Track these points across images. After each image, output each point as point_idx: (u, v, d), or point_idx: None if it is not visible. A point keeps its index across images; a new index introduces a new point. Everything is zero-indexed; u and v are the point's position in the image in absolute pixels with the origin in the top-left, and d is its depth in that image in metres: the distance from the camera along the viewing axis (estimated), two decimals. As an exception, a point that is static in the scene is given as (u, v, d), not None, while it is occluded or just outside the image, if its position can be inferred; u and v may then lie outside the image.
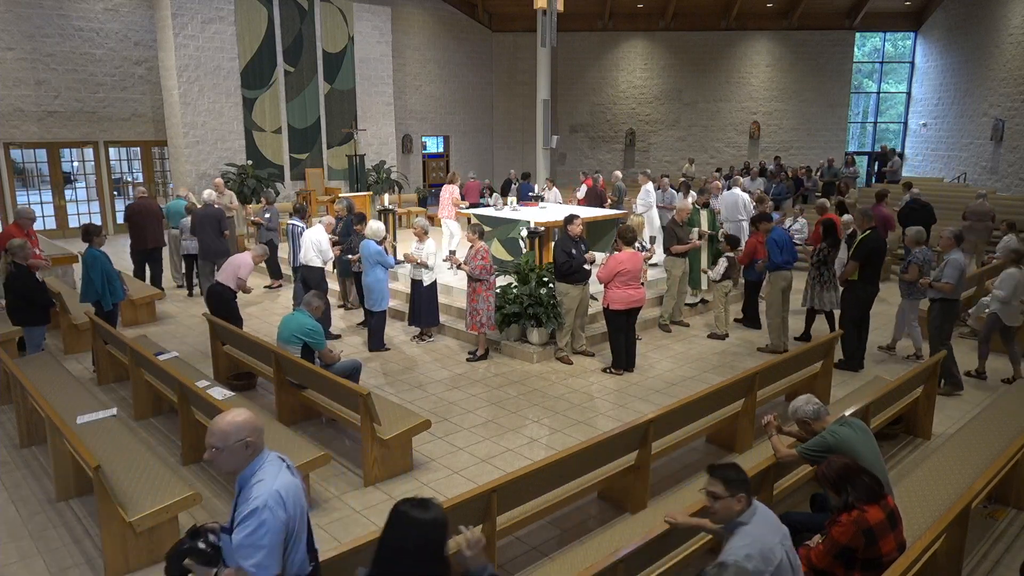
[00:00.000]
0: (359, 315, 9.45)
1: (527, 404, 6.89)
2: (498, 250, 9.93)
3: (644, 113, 23.90)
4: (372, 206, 13.28)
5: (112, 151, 16.70)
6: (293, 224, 9.83)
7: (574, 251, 7.69)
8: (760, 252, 8.74)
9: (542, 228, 9.53)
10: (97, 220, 16.25)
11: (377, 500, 5.17)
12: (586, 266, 7.77)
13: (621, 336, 7.60)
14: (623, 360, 7.66)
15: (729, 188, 12.48)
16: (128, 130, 16.65)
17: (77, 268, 9.86)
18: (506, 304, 8.14)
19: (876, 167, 22.23)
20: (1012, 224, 10.20)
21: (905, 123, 24.01)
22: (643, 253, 8.51)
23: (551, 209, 11.25)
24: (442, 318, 9.03)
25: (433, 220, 14.05)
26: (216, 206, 10.71)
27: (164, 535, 4.32)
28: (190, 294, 11.18)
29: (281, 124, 17.01)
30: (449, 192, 11.85)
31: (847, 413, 4.39)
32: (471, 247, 8.02)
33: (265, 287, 11.47)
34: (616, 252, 7.51)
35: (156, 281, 10.85)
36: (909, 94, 23.77)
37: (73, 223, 16.10)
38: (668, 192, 12.91)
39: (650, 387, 7.34)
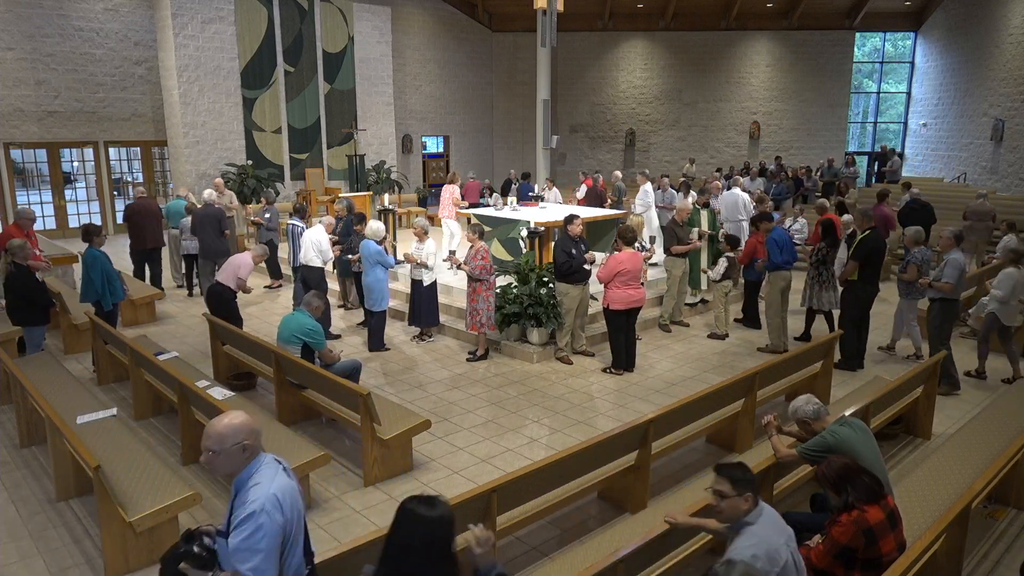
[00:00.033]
0: (359, 315, 9.45)
1: (527, 404, 6.89)
2: (498, 250, 9.93)
3: (644, 113, 23.90)
4: (372, 206, 13.28)
5: (112, 151, 16.70)
6: (293, 224, 9.83)
7: (574, 251, 7.69)
8: (760, 252, 8.74)
9: (542, 228, 9.53)
10: (97, 220, 16.26)
11: (377, 500, 5.18)
12: (586, 266, 7.77)
13: (621, 336, 7.60)
14: (623, 360, 7.66)
15: (729, 188, 12.48)
16: (128, 130, 16.65)
17: (77, 268, 9.86)
18: (506, 304, 8.14)
19: (876, 167, 22.23)
20: (1012, 224, 10.20)
21: (905, 123, 24.01)
22: (643, 253, 8.51)
23: (551, 209, 11.25)
24: (442, 318, 9.03)
25: (433, 220, 14.05)
26: (216, 206, 10.71)
27: (164, 535, 4.32)
28: (190, 294, 11.19)
29: (281, 124, 17.02)
30: (450, 192, 11.84)
31: (847, 413, 4.39)
32: (471, 247, 8.02)
33: (265, 287, 11.47)
34: (616, 252, 7.51)
35: (156, 281, 10.85)
36: (909, 94, 23.78)
37: (73, 223, 16.10)
38: (668, 192, 12.91)
39: (650, 387, 7.34)
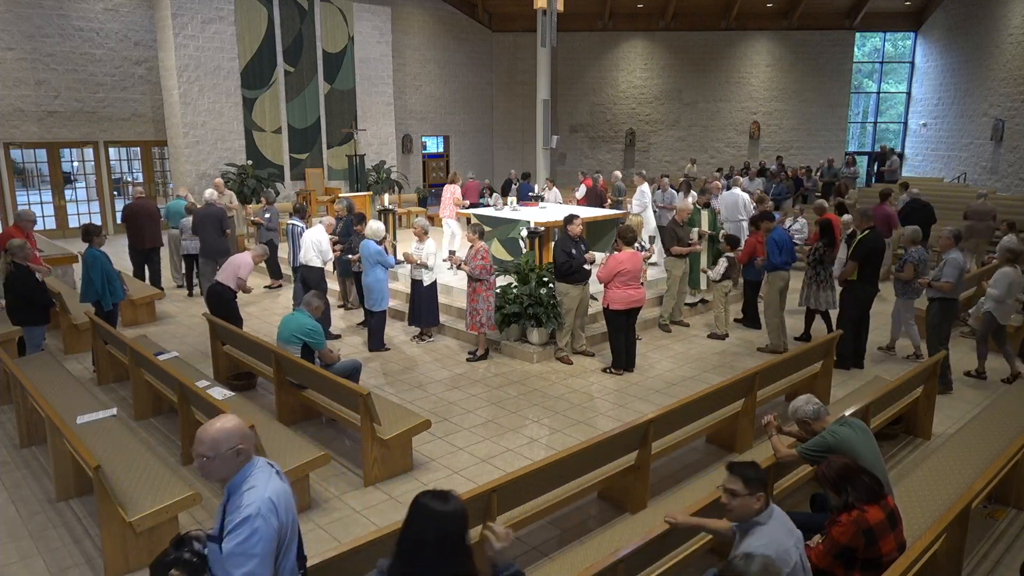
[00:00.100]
0: (359, 315, 9.45)
1: (527, 404, 6.89)
2: (498, 250, 9.93)
3: (644, 113, 23.90)
4: (372, 206, 13.28)
5: (112, 151, 16.70)
6: (293, 224, 9.84)
7: (574, 251, 7.69)
8: (759, 251, 8.75)
9: (542, 228, 9.53)
10: (97, 220, 16.25)
11: (377, 500, 5.18)
12: (586, 266, 7.77)
13: (621, 336, 7.60)
14: (623, 360, 7.66)
15: (729, 188, 12.48)
16: (128, 130, 16.65)
17: (77, 268, 9.86)
18: (506, 304, 8.14)
19: (876, 167, 22.22)
20: (1012, 224, 10.21)
21: (905, 123, 24.01)
22: (642, 253, 8.51)
23: (551, 209, 11.25)
24: (442, 318, 9.03)
25: (433, 220, 14.05)
26: (217, 205, 10.71)
27: (164, 535, 4.31)
28: (190, 294, 11.19)
29: (281, 124, 17.01)
30: (451, 192, 11.85)
31: (847, 413, 4.40)
32: (471, 247, 8.02)
33: (265, 287, 11.47)
34: (616, 252, 7.51)
35: (155, 281, 10.85)
36: (909, 94, 23.77)
37: (73, 223, 16.10)
38: (668, 192, 12.91)
39: (650, 387, 7.34)
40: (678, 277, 9.11)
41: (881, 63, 24.40)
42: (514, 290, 8.26)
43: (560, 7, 14.09)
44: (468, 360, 8.08)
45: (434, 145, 23.25)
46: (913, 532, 3.81)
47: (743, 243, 9.43)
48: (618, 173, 14.82)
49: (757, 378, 5.86)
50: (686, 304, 9.86)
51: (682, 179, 15.93)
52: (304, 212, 10.37)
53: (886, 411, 5.70)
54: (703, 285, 10.19)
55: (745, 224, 11.04)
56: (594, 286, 8.10)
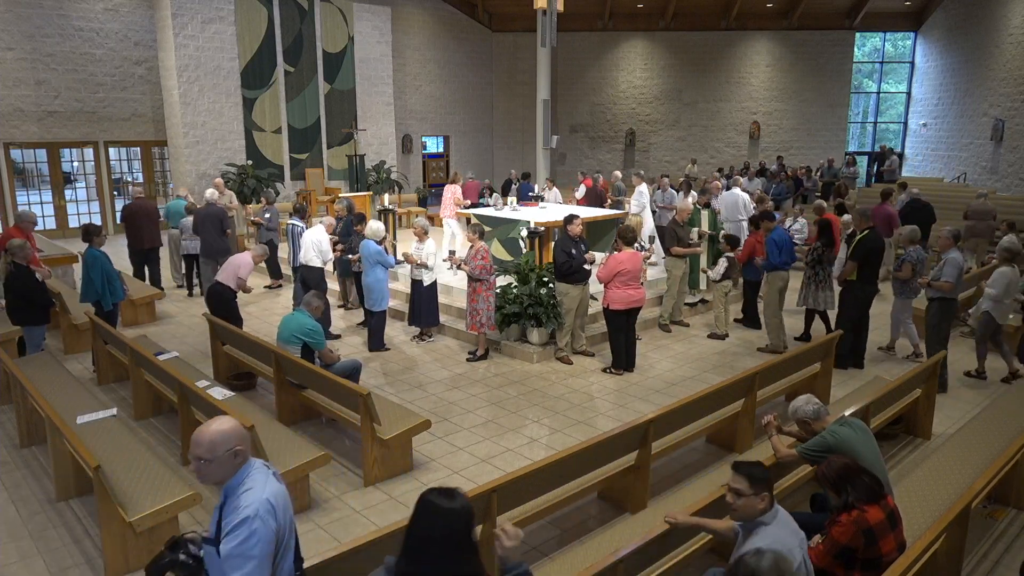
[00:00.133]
0: (359, 315, 9.45)
1: (527, 404, 6.89)
2: (498, 250, 9.93)
3: (644, 113, 23.90)
4: (372, 206, 13.29)
5: (112, 151, 16.70)
6: (293, 224, 9.84)
7: (574, 251, 7.69)
8: (759, 251, 8.76)
9: (542, 228, 9.53)
10: (97, 220, 16.26)
11: (377, 500, 5.18)
12: (586, 266, 7.77)
13: (621, 336, 7.60)
14: (623, 360, 7.66)
15: (728, 188, 12.49)
16: (128, 130, 16.65)
17: (77, 268, 9.86)
18: (506, 304, 8.14)
19: (876, 168, 22.23)
20: (1012, 224, 10.22)
21: (905, 123, 24.00)
22: (642, 253, 8.51)
23: (551, 209, 11.25)
24: (442, 318, 9.03)
25: (433, 220, 14.05)
26: (218, 205, 10.72)
27: (164, 535, 4.31)
28: (190, 294, 11.19)
29: (281, 124, 17.01)
30: (451, 192, 11.85)
31: (847, 413, 4.40)
32: (471, 247, 8.02)
33: (265, 287, 11.47)
34: (616, 252, 7.51)
35: (154, 281, 10.85)
36: (909, 94, 23.77)
37: (73, 223, 16.10)
38: (668, 192, 12.91)
39: (650, 387, 7.34)
40: (678, 277, 9.11)
41: (881, 63, 24.40)
42: (514, 290, 8.26)
43: (560, 7, 14.09)
44: (468, 360, 8.08)
45: (434, 145, 23.25)
46: (913, 532, 3.81)
47: (743, 243, 9.44)
48: (618, 173, 14.82)
49: (757, 378, 5.86)
50: (686, 304, 9.86)
51: (682, 179, 15.93)
52: (304, 212, 10.37)
53: (886, 411, 5.70)
54: (703, 285, 10.20)
55: (745, 224, 11.04)
56: (594, 286, 8.10)
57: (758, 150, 23.41)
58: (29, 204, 15.77)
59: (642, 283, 7.89)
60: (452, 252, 11.21)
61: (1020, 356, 7.08)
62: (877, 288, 7.76)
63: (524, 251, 9.55)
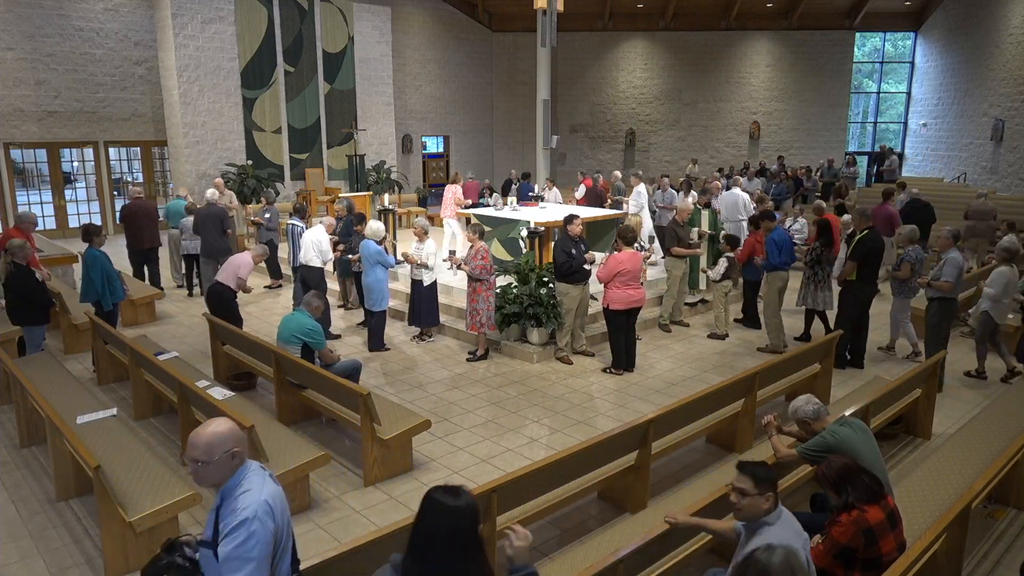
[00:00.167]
0: (359, 315, 9.45)
1: (527, 404, 6.89)
2: (498, 250, 9.93)
3: (644, 113, 23.90)
4: (372, 206, 13.29)
5: (112, 151, 16.70)
6: (293, 224, 9.84)
7: (574, 251, 7.69)
8: (758, 251, 8.76)
9: (542, 228, 9.53)
10: (97, 220, 16.26)
11: (377, 500, 5.18)
12: (586, 266, 7.77)
13: (621, 336, 7.60)
14: (623, 360, 7.66)
15: (728, 188, 12.49)
16: (128, 130, 16.65)
17: (77, 268, 9.86)
18: (506, 304, 8.14)
19: (876, 168, 22.23)
20: (1012, 224, 10.22)
21: (905, 123, 24.00)
22: (642, 253, 8.51)
23: (551, 209, 11.25)
24: (442, 318, 9.03)
25: (433, 220, 14.05)
26: (218, 205, 10.72)
27: (164, 535, 4.31)
28: (190, 294, 11.19)
29: (281, 124, 17.01)
30: (452, 192, 11.86)
31: (847, 413, 4.39)
32: (471, 247, 8.02)
33: (265, 287, 11.47)
34: (616, 252, 7.51)
35: (154, 281, 10.85)
36: (909, 94, 23.77)
37: (73, 223, 16.10)
38: (668, 192, 12.91)
39: (650, 387, 7.34)
40: (678, 277, 9.11)
41: (881, 63, 24.40)
42: (514, 290, 8.26)
43: (560, 7, 14.09)
44: (468, 360, 8.08)
45: (434, 145, 23.25)
46: (913, 532, 3.81)
47: (743, 243, 9.44)
48: (618, 173, 14.82)
49: (757, 378, 5.86)
50: (686, 304, 9.86)
51: (682, 179, 15.93)
52: (304, 212, 10.37)
53: (886, 411, 5.70)
54: (702, 285, 10.20)
55: (745, 224, 11.05)
56: (594, 286, 8.10)
57: (758, 150, 23.41)
58: (29, 204, 15.78)
59: (642, 283, 7.89)
60: (452, 252, 11.21)
61: (1019, 356, 7.07)
62: (876, 288, 7.76)
63: (524, 251, 9.55)
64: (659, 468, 5.45)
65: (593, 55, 23.63)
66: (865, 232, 7.53)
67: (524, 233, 9.61)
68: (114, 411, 5.55)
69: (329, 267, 9.08)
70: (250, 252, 8.15)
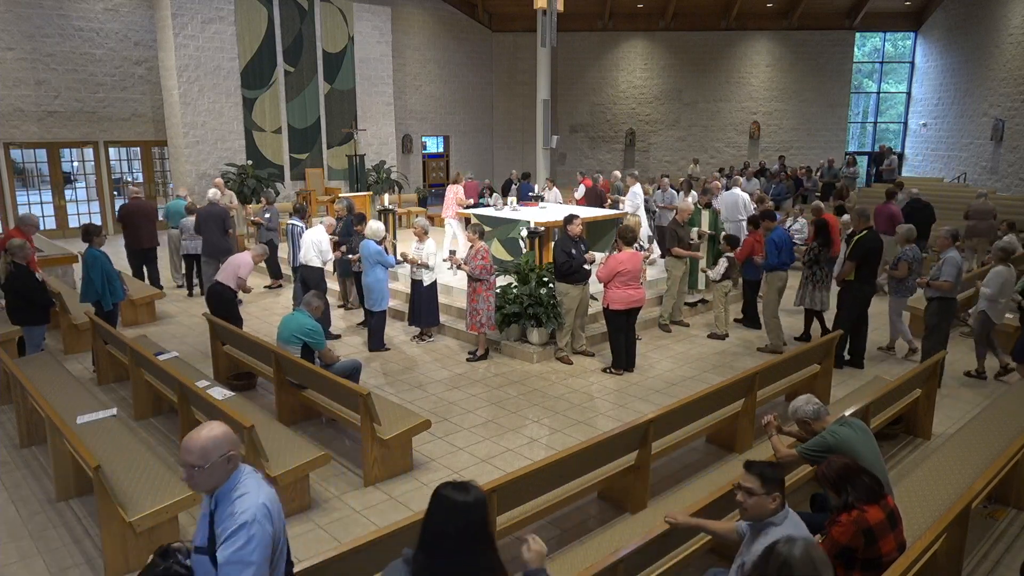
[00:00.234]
0: (359, 315, 9.45)
1: (527, 404, 6.89)
2: (498, 250, 9.93)
3: (644, 113, 23.90)
4: (372, 206, 13.29)
5: (112, 151, 16.70)
6: (293, 224, 9.84)
7: (574, 251, 7.69)
8: (757, 250, 8.77)
9: (542, 228, 9.53)
10: (97, 220, 16.26)
11: (377, 500, 5.18)
12: (586, 266, 7.77)
13: (621, 336, 7.60)
14: (623, 360, 7.66)
15: (728, 188, 12.49)
16: (128, 130, 16.65)
17: (77, 268, 9.86)
18: (506, 304, 8.14)
19: (875, 168, 22.23)
20: (1012, 224, 10.22)
21: (905, 123, 24.00)
22: (641, 253, 8.52)
23: (551, 209, 11.26)
24: (442, 318, 9.03)
25: (434, 220, 14.05)
26: (220, 205, 10.72)
27: (164, 535, 4.32)
28: (190, 294, 11.18)
29: (281, 124, 17.01)
30: (454, 192, 11.87)
31: (847, 413, 4.39)
32: (471, 247, 8.02)
33: (265, 287, 11.47)
34: (616, 252, 7.51)
35: (153, 281, 10.85)
36: (909, 94, 23.77)
37: (73, 223, 16.10)
38: (668, 192, 12.91)
39: (650, 387, 7.34)
40: (678, 277, 9.11)
41: (881, 63, 24.40)
42: (514, 290, 8.26)
43: (560, 7, 14.09)
44: (468, 360, 8.08)
45: (434, 145, 23.25)
46: (913, 532, 3.81)
47: (742, 243, 9.44)
48: (617, 173, 14.82)
49: (757, 378, 5.86)
50: (686, 304, 9.86)
51: (682, 179, 15.93)
52: (304, 212, 10.37)
53: (886, 411, 5.70)
54: (701, 285, 10.19)
55: (745, 224, 11.05)
56: (594, 286, 8.10)
57: (758, 150, 23.40)
58: (29, 204, 15.78)
59: (642, 283, 7.89)
60: (452, 252, 11.21)
61: (1015, 355, 7.04)
62: (875, 288, 7.77)
63: (524, 251, 9.55)
64: (659, 468, 5.45)
65: (593, 55, 23.63)
66: (864, 232, 7.53)
67: (524, 233, 9.61)
68: (114, 411, 5.55)
69: (329, 267, 9.07)
70: (250, 252, 8.15)
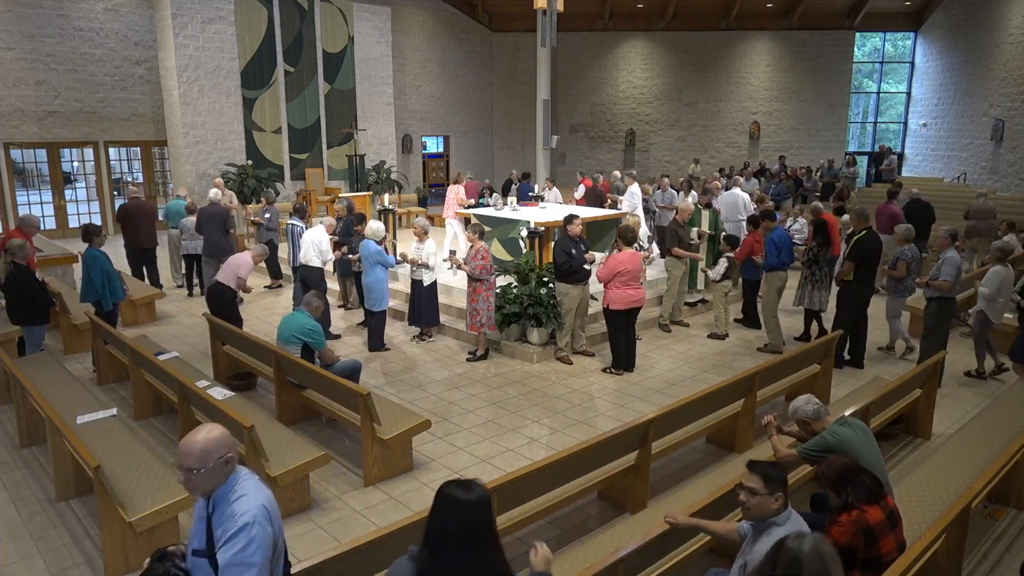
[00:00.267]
0: (359, 315, 9.45)
1: (527, 404, 6.89)
2: (498, 250, 9.93)
3: (644, 113, 23.90)
4: (372, 206, 13.29)
5: (112, 151, 16.70)
6: (293, 224, 9.84)
7: (574, 251, 7.69)
8: (757, 250, 8.77)
9: (542, 228, 9.53)
10: (97, 220, 16.26)
11: (377, 500, 5.18)
12: (586, 266, 7.77)
13: (621, 336, 7.60)
14: (623, 360, 7.66)
15: (728, 188, 12.49)
16: (128, 130, 16.65)
17: (77, 268, 9.86)
18: (506, 304, 8.14)
19: (875, 168, 22.23)
20: (1012, 224, 10.22)
21: (905, 123, 24.00)
22: (641, 253, 8.51)
23: (551, 209, 11.26)
24: (442, 318, 9.02)
25: (434, 220, 14.05)
26: (221, 205, 10.73)
27: (164, 535, 4.32)
28: (190, 294, 11.18)
29: (281, 124, 17.01)
30: (455, 192, 11.86)
31: (847, 413, 4.39)
32: (471, 247, 8.02)
33: (265, 287, 11.47)
34: (616, 252, 7.51)
35: (153, 281, 10.85)
36: (909, 94, 23.76)
37: (73, 223, 16.10)
38: (668, 192, 12.91)
39: (650, 387, 7.34)
40: (678, 277, 9.11)
41: (881, 63, 24.40)
42: (514, 290, 8.26)
43: (560, 7, 14.09)
44: (468, 360, 8.08)
45: (434, 145, 23.25)
46: (913, 532, 3.81)
47: (742, 243, 9.44)
48: (617, 173, 14.83)
49: (757, 378, 5.86)
50: (686, 304, 9.86)
51: (682, 179, 15.93)
52: (304, 212, 10.37)
53: (886, 411, 5.70)
54: (701, 285, 10.19)
55: (745, 224, 11.05)
56: (594, 286, 8.10)
57: (758, 150, 23.41)
58: (29, 204, 15.78)
59: (642, 283, 7.89)
60: (452, 252, 11.21)
61: (1013, 355, 7.03)
62: (874, 288, 7.78)
63: (524, 251, 9.55)
64: (659, 468, 5.45)
65: (593, 55, 23.63)
66: (863, 232, 7.54)
67: (524, 233, 9.61)
68: (114, 411, 5.55)
69: (329, 267, 9.07)
70: (250, 252, 8.15)
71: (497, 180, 20.82)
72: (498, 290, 8.22)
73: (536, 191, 14.28)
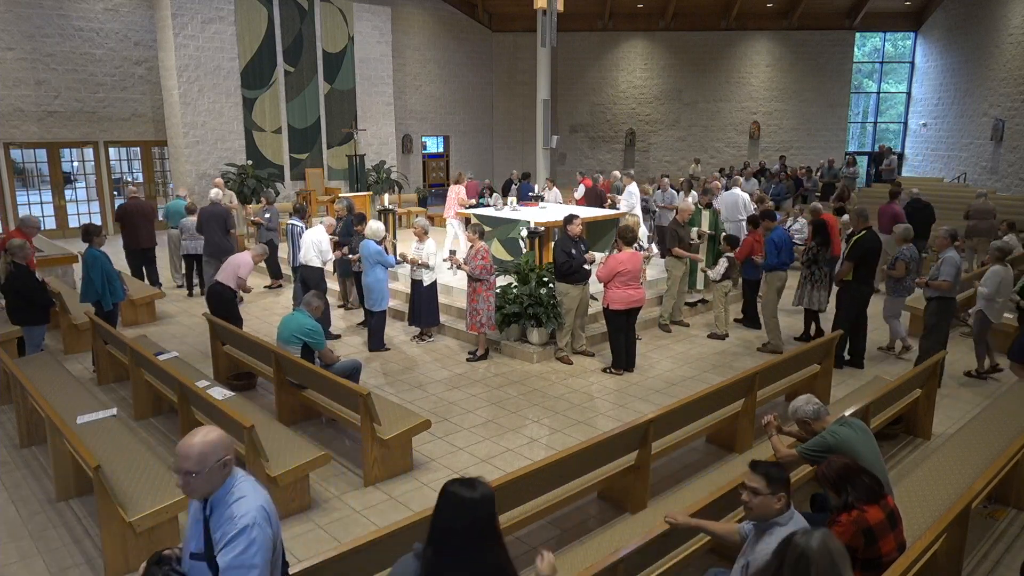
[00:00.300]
0: (359, 315, 9.45)
1: (527, 404, 6.89)
2: (498, 250, 9.93)
3: (644, 113, 23.90)
4: (372, 206, 13.29)
5: (112, 151, 16.71)
6: (293, 224, 9.84)
7: (574, 251, 7.69)
8: (756, 250, 8.77)
9: (542, 228, 9.53)
10: (97, 220, 16.26)
11: (377, 500, 5.17)
12: (586, 266, 7.77)
13: (621, 336, 7.60)
14: (623, 360, 7.66)
15: (728, 188, 12.49)
16: (128, 130, 16.65)
17: (77, 268, 9.86)
18: (506, 304, 8.14)
19: (875, 168, 22.23)
20: (1012, 224, 10.22)
21: (905, 123, 24.00)
22: (641, 253, 8.52)
23: (551, 209, 11.26)
24: (442, 318, 9.03)
25: (434, 220, 14.05)
26: (222, 205, 10.73)
27: (164, 535, 4.32)
28: (190, 294, 11.18)
29: (281, 124, 17.02)
30: (455, 192, 11.86)
31: (847, 413, 4.39)
32: (471, 247, 8.02)
33: (265, 287, 11.47)
34: (616, 252, 7.51)
35: (152, 281, 10.85)
36: (909, 94, 23.76)
37: (73, 223, 16.11)
38: (668, 192, 12.91)
39: (650, 387, 7.34)
40: (678, 277, 9.11)
41: (881, 63, 24.40)
42: (514, 290, 8.26)
43: (560, 7, 14.09)
44: (468, 360, 8.08)
45: (434, 145, 23.25)
46: (913, 532, 3.81)
47: (742, 242, 9.44)
48: (617, 173, 14.82)
49: (757, 378, 5.86)
50: (686, 304, 9.86)
51: (683, 179, 15.92)
52: (304, 212, 10.37)
53: (886, 411, 5.70)
54: (701, 285, 10.19)
55: (745, 224, 11.05)
56: (594, 286, 8.10)
57: (758, 150, 23.41)
58: (29, 204, 15.79)
59: (642, 283, 7.89)
60: (452, 252, 11.21)
61: (1012, 355, 7.02)
62: (874, 288, 7.78)
63: (524, 251, 9.55)
64: (659, 468, 5.45)
65: (593, 55, 23.63)
66: (863, 232, 7.54)
67: (524, 233, 9.61)
68: (114, 411, 5.55)
69: (329, 267, 9.07)
70: (250, 252, 8.15)
71: (497, 180, 20.81)
72: (498, 290, 8.22)
73: (536, 191, 14.28)
